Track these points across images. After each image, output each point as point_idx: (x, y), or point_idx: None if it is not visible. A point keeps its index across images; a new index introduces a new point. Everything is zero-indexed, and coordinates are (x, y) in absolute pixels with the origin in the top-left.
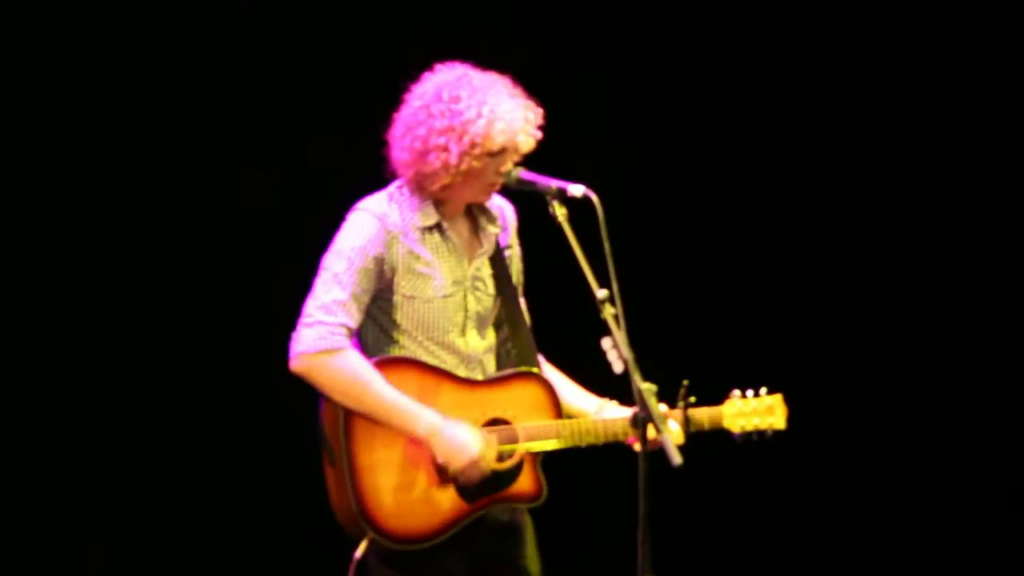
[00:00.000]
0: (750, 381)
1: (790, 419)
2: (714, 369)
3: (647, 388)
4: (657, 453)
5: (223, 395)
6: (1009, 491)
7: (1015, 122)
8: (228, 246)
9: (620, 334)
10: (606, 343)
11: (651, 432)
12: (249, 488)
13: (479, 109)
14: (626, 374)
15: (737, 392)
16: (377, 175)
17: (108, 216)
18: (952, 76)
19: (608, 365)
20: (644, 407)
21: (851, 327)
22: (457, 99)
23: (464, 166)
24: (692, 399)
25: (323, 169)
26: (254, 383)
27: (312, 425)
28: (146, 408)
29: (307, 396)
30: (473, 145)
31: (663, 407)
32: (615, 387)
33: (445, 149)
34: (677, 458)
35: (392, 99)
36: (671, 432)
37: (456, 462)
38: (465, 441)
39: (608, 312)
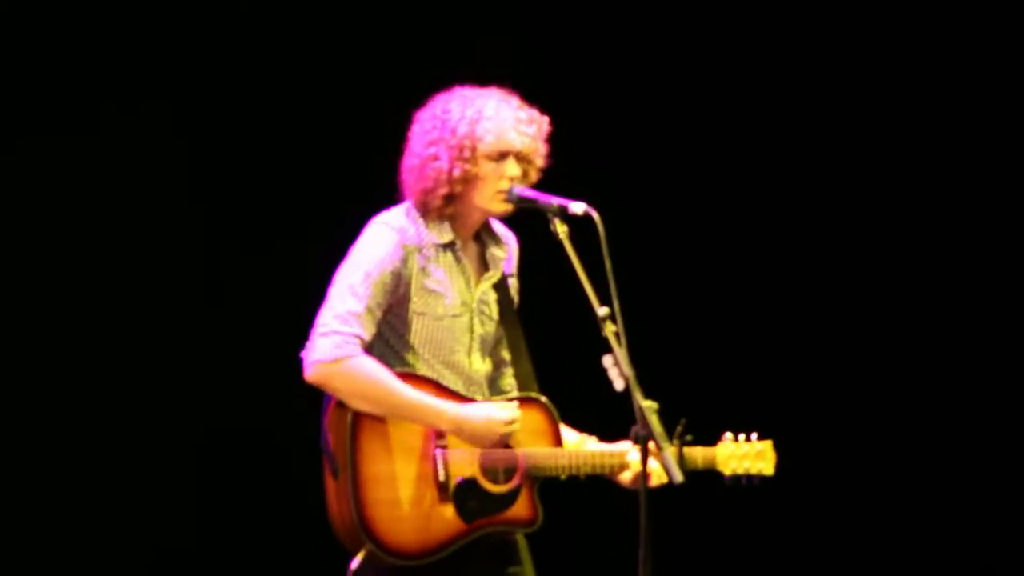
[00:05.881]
0: (747, 401)
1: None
2: (712, 384)
3: (648, 406)
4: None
5: (230, 408)
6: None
7: (1015, 125)
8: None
9: (621, 352)
10: (607, 361)
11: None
12: (247, 496)
13: (463, 113)
14: (627, 392)
15: (730, 435)
16: (389, 192)
17: (113, 223)
18: (936, 80)
19: (609, 382)
20: (645, 425)
21: (852, 350)
22: (447, 111)
23: (458, 172)
24: (688, 437)
25: (324, 183)
26: (257, 393)
27: (315, 434)
28: (150, 419)
29: (306, 403)
30: (462, 149)
31: None
32: (614, 402)
33: (436, 158)
34: (679, 476)
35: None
36: (673, 449)
37: (490, 432)
38: (489, 411)
39: (609, 330)
